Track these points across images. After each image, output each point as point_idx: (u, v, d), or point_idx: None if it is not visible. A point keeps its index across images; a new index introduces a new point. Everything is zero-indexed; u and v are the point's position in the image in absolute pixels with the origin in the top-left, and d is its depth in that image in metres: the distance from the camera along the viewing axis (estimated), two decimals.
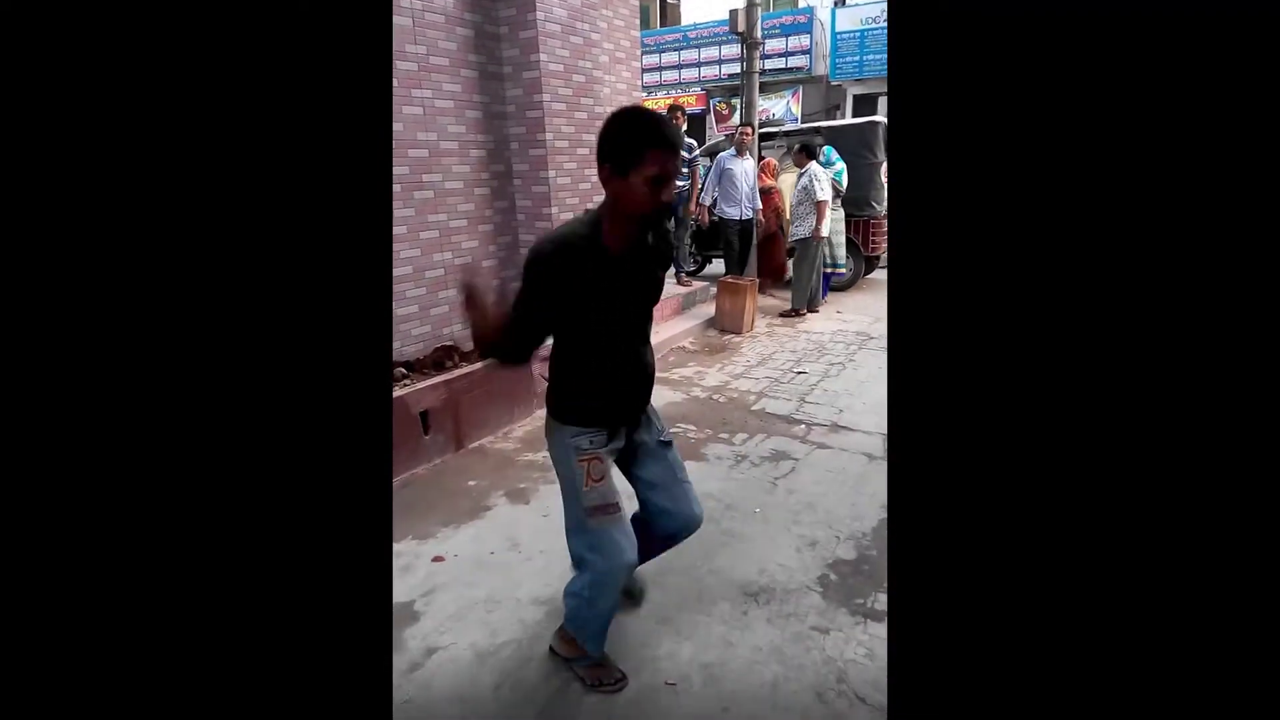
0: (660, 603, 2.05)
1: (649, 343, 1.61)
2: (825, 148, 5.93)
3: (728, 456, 3.07)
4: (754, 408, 3.69)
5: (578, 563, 1.66)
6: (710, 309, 5.52)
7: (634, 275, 1.46)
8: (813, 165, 5.36)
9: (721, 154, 5.72)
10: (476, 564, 2.27)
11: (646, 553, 1.74)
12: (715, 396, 3.89)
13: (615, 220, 1.38)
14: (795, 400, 3.78)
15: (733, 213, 5.64)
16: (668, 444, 1.71)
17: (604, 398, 1.54)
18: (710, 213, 6.14)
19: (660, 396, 3.89)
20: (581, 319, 1.44)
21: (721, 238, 5.86)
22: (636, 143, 1.28)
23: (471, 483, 2.85)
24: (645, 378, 1.60)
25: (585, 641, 1.71)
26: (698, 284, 5.98)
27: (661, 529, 1.73)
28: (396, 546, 2.39)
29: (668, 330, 5.01)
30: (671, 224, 5.76)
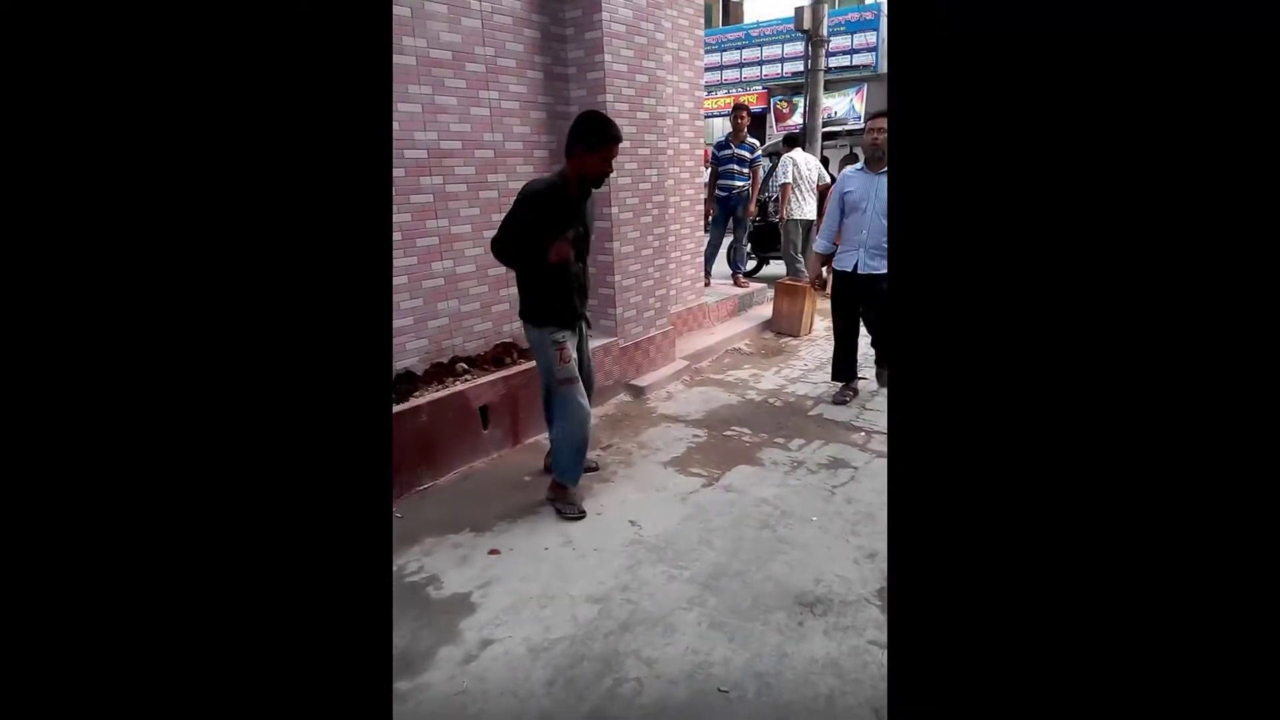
0: (714, 607, 2.03)
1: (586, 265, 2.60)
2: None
3: (784, 462, 3.02)
4: (811, 413, 3.62)
5: (549, 419, 2.62)
6: (767, 311, 5.44)
7: (582, 215, 2.44)
8: (794, 152, 5.78)
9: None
10: (531, 558, 2.30)
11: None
12: (771, 400, 3.83)
13: (573, 177, 2.36)
14: (856, 406, 3.68)
15: (803, 212, 5.63)
16: (587, 338, 2.75)
17: (567, 303, 2.47)
18: (767, 212, 6.05)
19: (714, 398, 3.86)
20: (555, 239, 2.30)
21: (784, 239, 5.77)
22: (603, 134, 2.29)
23: (527, 478, 2.89)
24: (585, 288, 2.59)
25: (563, 475, 2.60)
26: (755, 285, 5.90)
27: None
28: (456, 537, 2.44)
29: (723, 331, 4.96)
30: (730, 224, 5.72)
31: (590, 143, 2.28)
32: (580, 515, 2.57)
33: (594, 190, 2.50)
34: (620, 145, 2.33)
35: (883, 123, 3.33)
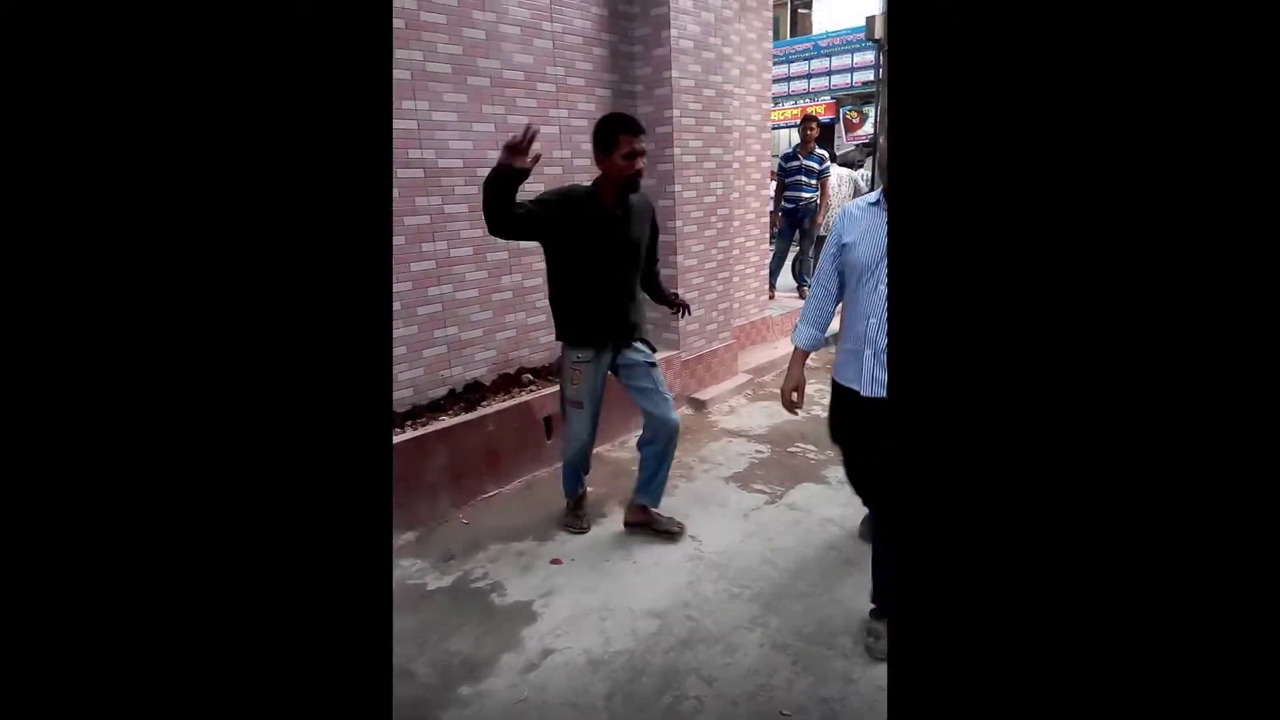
0: (777, 628, 1.99)
1: (635, 284, 2.37)
2: None
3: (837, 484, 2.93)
4: None
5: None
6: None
7: (621, 226, 2.23)
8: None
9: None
10: (592, 569, 2.32)
11: (644, 456, 2.49)
12: None
13: (606, 186, 2.18)
14: None
15: None
16: (653, 365, 2.41)
17: (590, 321, 2.29)
18: None
19: (777, 413, 3.78)
20: (580, 253, 2.18)
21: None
22: (611, 133, 2.10)
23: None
24: (626, 308, 2.33)
25: (564, 487, 2.63)
26: None
27: (646, 430, 2.45)
28: (519, 545, 2.48)
29: (787, 345, 4.88)
30: (796, 236, 5.64)
31: (604, 147, 2.12)
32: (580, 530, 2.58)
33: (645, 201, 2.30)
34: (642, 138, 2.11)
35: None
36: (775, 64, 13.92)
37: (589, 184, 2.22)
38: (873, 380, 1.75)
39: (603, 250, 2.21)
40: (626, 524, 2.56)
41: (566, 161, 3.33)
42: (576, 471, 2.57)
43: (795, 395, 2.01)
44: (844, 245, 1.78)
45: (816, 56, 13.61)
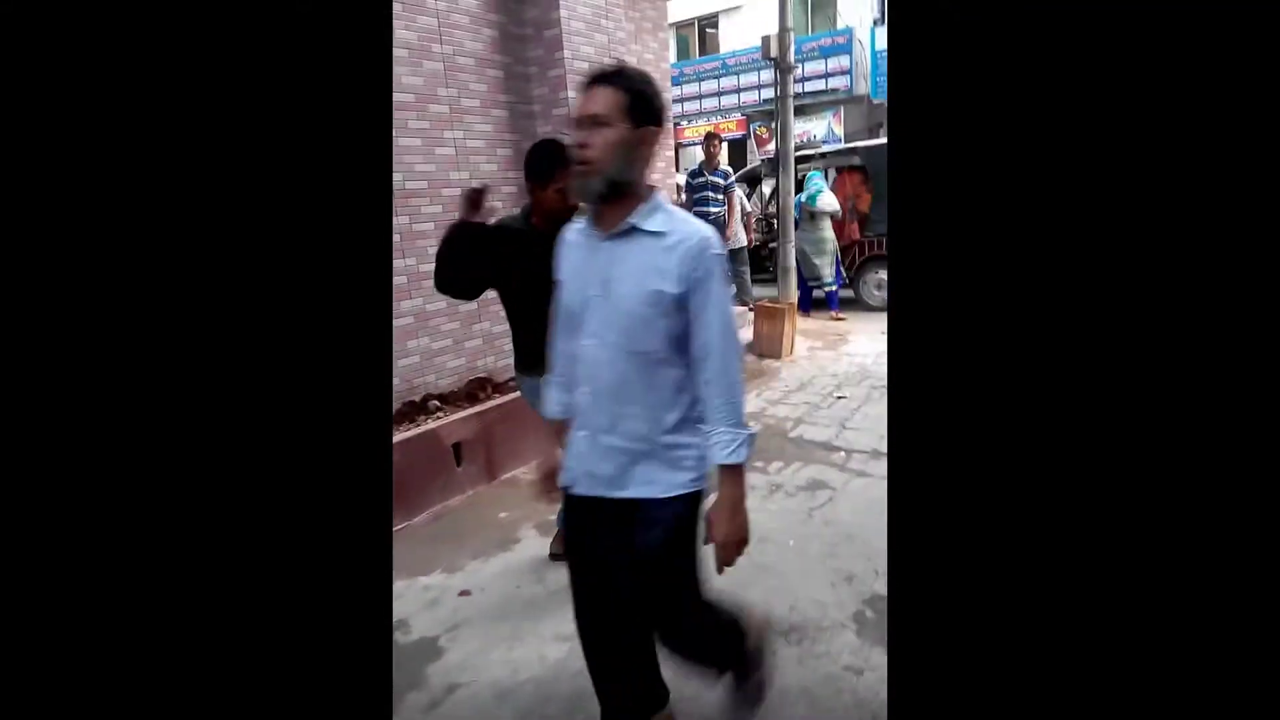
0: None
1: None
2: (811, 173, 6.34)
3: (762, 486, 2.99)
4: (791, 435, 3.60)
5: None
6: (747, 334, 5.45)
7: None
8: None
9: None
10: (503, 598, 2.26)
11: None
12: (750, 423, 3.80)
13: (539, 213, 2.03)
14: (835, 426, 3.67)
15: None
16: None
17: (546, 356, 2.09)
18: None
19: None
20: (527, 280, 1.97)
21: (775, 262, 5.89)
22: (554, 163, 1.92)
23: (503, 514, 2.85)
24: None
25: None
26: (735, 308, 5.91)
27: None
28: (426, 580, 2.40)
29: None
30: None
31: (539, 176, 1.98)
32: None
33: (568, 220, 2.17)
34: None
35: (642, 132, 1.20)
36: (686, 82, 14.32)
37: (518, 213, 2.10)
38: (587, 474, 1.27)
39: (542, 283, 1.89)
40: (553, 555, 2.43)
41: (463, 182, 3.29)
42: None
43: (545, 483, 1.44)
44: (559, 282, 1.35)
45: (725, 74, 14.04)
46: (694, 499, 1.31)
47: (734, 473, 1.26)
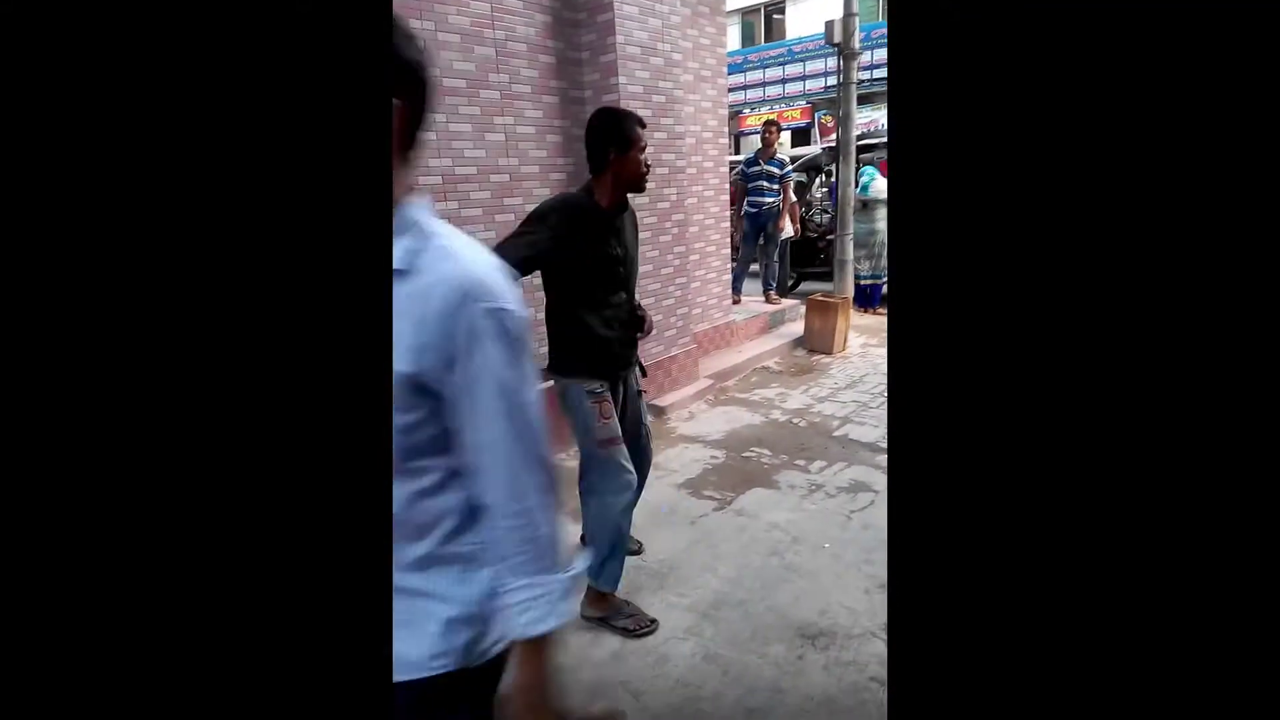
0: (711, 637, 1.96)
1: (634, 296, 2.06)
2: (864, 168, 6.18)
3: (801, 485, 2.91)
4: (836, 433, 3.49)
5: (585, 499, 2.00)
6: (799, 328, 5.33)
7: (622, 231, 1.94)
8: None
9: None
10: None
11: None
12: (795, 420, 3.72)
13: (609, 188, 1.87)
14: (883, 426, 3.54)
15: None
16: (640, 393, 2.14)
17: (602, 348, 1.93)
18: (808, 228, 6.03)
19: (736, 418, 3.77)
20: (589, 272, 1.87)
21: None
22: (632, 126, 1.83)
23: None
24: (633, 327, 2.02)
25: (600, 578, 1.97)
26: (787, 302, 5.79)
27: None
28: None
29: (752, 349, 4.88)
30: (761, 240, 5.65)
31: (621, 142, 1.81)
32: (650, 624, 2.01)
33: (628, 206, 2.00)
34: (643, 128, 1.88)
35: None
36: (750, 69, 14.07)
37: (580, 191, 1.92)
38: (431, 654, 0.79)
39: (609, 266, 1.90)
40: (584, 617, 2.03)
41: (512, 168, 3.30)
42: (620, 537, 1.97)
43: None
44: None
45: (791, 61, 13.71)
46: (447, 685, 0.80)
47: (536, 649, 0.77)
